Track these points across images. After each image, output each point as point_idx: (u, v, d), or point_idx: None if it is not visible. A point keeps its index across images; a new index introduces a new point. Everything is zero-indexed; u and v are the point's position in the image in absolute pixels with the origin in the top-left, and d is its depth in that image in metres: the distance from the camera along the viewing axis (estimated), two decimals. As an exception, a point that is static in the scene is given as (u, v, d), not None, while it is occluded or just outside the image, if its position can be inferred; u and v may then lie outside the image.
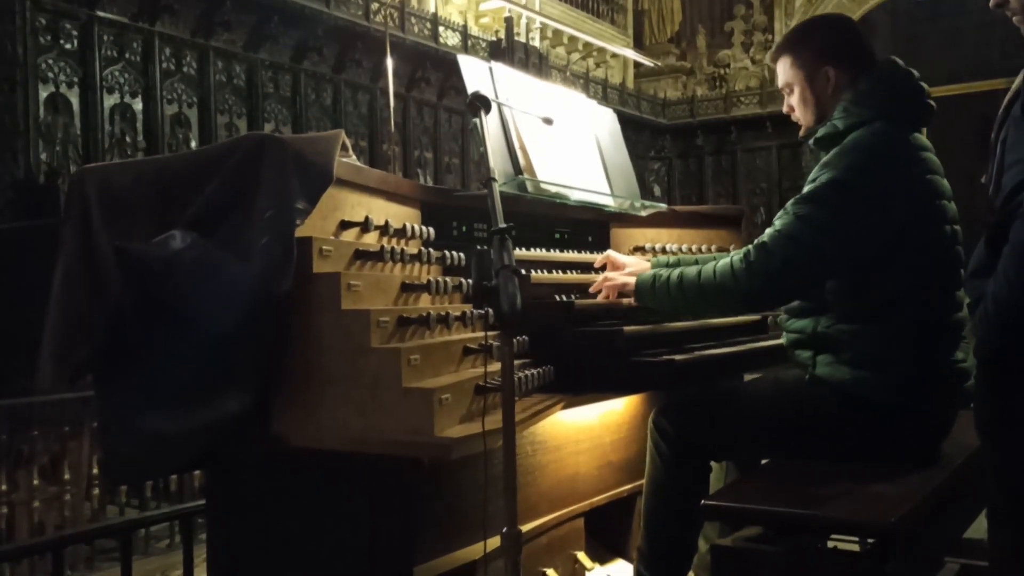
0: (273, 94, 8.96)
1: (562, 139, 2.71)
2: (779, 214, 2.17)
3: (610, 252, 2.71)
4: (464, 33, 11.00)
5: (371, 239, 2.10)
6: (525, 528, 2.40)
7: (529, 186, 2.49)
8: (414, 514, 1.99)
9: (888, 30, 18.03)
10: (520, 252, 2.50)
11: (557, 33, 12.52)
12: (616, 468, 2.82)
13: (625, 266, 2.57)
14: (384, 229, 2.10)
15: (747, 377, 2.67)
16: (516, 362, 2.11)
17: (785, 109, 2.38)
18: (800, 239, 2.06)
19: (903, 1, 17.46)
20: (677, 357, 2.19)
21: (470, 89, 2.40)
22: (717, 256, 2.64)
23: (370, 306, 1.83)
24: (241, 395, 1.77)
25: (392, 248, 2.00)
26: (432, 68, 10.69)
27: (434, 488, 2.01)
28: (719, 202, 14.16)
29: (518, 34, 11.37)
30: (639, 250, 3.22)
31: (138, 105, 7.57)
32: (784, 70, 2.32)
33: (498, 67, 2.57)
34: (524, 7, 11.40)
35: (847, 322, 2.14)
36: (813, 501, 1.73)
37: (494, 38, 11.34)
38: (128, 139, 7.44)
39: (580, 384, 2.19)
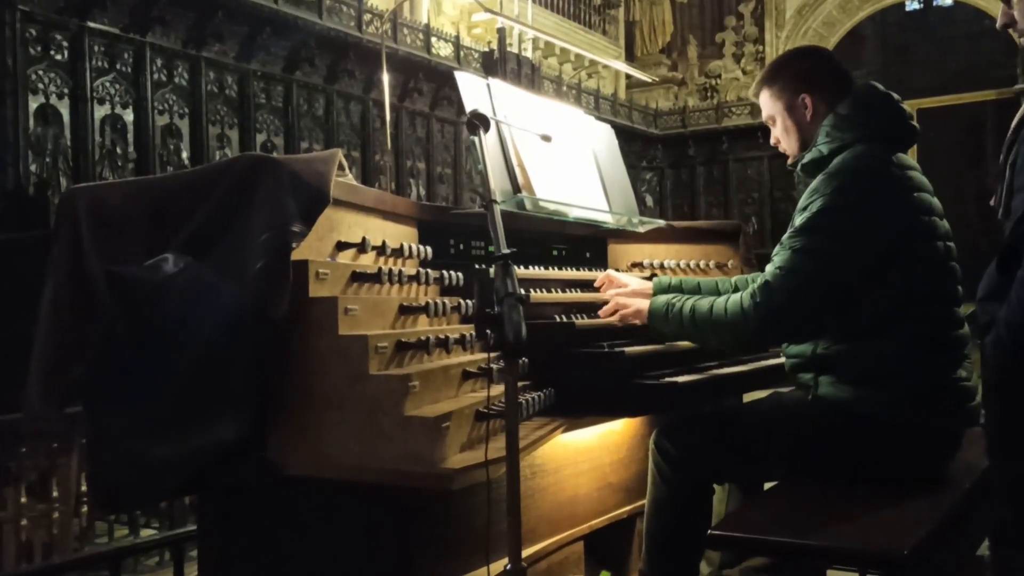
0: (265, 104, 8.92)
1: (560, 155, 2.68)
2: (776, 250, 2.18)
3: (610, 272, 2.69)
4: (456, 44, 10.99)
5: (368, 260, 2.06)
6: (525, 553, 2.35)
7: (528, 204, 2.45)
8: (412, 542, 1.95)
9: (878, 41, 18.13)
10: (518, 271, 2.46)
11: (549, 44, 12.52)
12: (615, 489, 2.78)
13: (626, 285, 2.55)
14: (381, 249, 2.06)
15: (746, 397, 2.63)
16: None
17: (772, 141, 2.44)
18: (801, 271, 2.07)
19: (892, 13, 17.55)
20: (681, 379, 2.16)
21: (467, 106, 2.37)
22: (720, 283, 2.63)
23: (368, 330, 1.79)
24: (235, 421, 1.72)
25: (390, 270, 1.96)
26: (425, 79, 10.67)
27: (433, 515, 1.97)
28: (711, 212, 14.17)
29: (510, 45, 11.36)
30: (637, 266, 3.19)
31: (129, 116, 7.51)
32: (765, 103, 2.38)
33: (496, 83, 2.54)
34: (516, 19, 11.39)
35: (845, 341, 2.14)
36: (821, 529, 1.69)
37: (486, 49, 11.33)
38: (119, 150, 7.39)
39: (582, 407, 2.15)
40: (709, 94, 15.08)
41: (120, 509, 3.16)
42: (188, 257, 1.74)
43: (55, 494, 4.38)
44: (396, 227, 2.24)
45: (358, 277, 1.90)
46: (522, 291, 1.50)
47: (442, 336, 1.87)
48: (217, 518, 2.11)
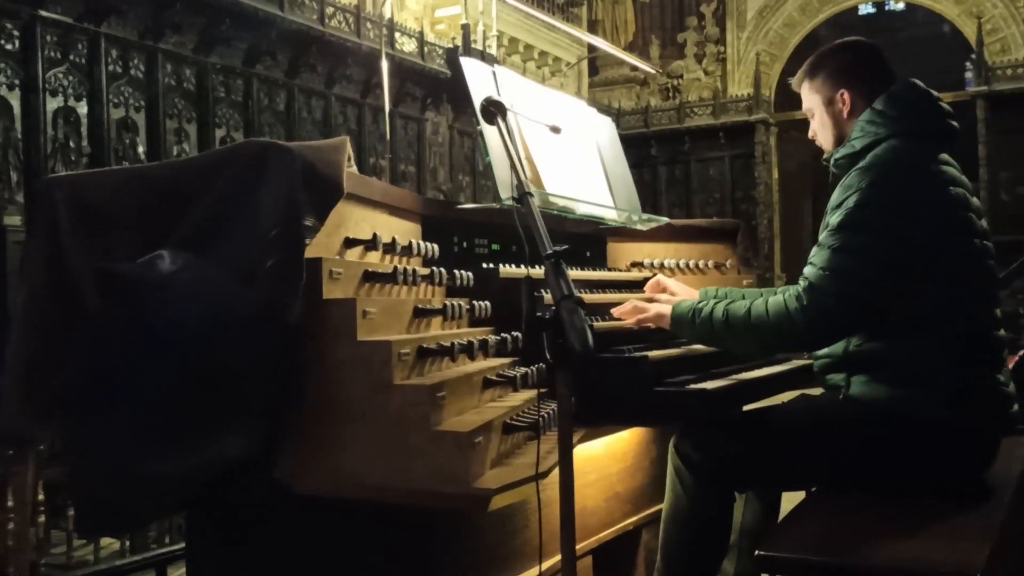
0: (224, 99, 8.66)
1: (566, 148, 2.54)
2: (814, 251, 2.09)
3: (660, 277, 2.62)
4: (420, 40, 10.82)
5: (375, 258, 1.90)
6: (535, 572, 2.22)
7: (536, 198, 2.31)
8: (429, 562, 1.80)
9: (835, 43, 18.29)
10: (519, 270, 2.32)
11: (513, 41, 12.39)
12: (623, 500, 2.65)
13: (676, 293, 2.49)
14: (391, 247, 1.91)
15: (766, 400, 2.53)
16: (534, 392, 1.93)
17: (810, 134, 2.35)
18: (846, 271, 1.98)
19: (846, 16, 17.76)
20: (709, 385, 2.04)
21: (473, 93, 2.22)
22: (764, 292, 2.54)
23: (386, 335, 1.63)
24: (243, 435, 1.55)
25: (405, 269, 1.80)
26: (388, 74, 10.47)
27: (449, 534, 1.82)
28: (673, 212, 14.16)
29: (475, 42, 11.19)
30: (637, 265, 3.07)
31: (83, 109, 7.22)
32: (806, 96, 2.31)
33: (502, 71, 2.39)
34: (480, 15, 11.24)
35: (879, 339, 2.05)
36: (880, 548, 1.58)
37: (450, 45, 11.17)
38: (72, 144, 7.10)
39: (602, 415, 2.01)
40: (671, 94, 15.07)
41: (110, 531, 2.91)
42: (187, 254, 1.56)
43: (10, 503, 4.14)
44: (401, 223, 2.08)
45: (371, 277, 1.74)
46: (579, 294, 1.36)
47: (465, 341, 1.72)
48: (209, 538, 1.93)
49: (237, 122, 8.78)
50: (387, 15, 10.41)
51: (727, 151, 14.24)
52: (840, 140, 2.21)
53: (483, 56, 11.28)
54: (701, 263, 3.23)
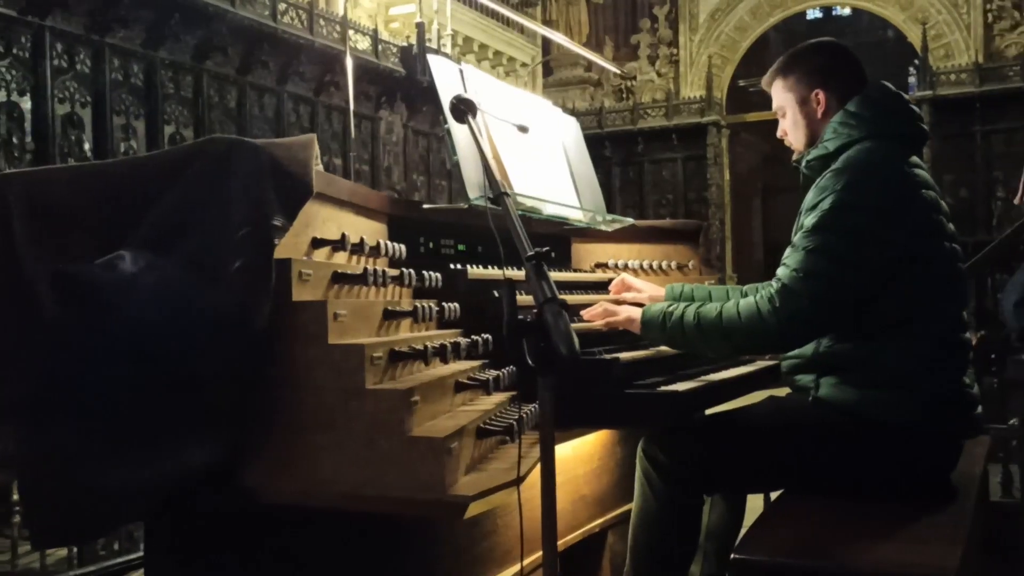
0: (173, 95, 8.47)
1: (533, 148, 2.52)
2: (788, 253, 2.08)
3: (625, 276, 2.61)
4: (375, 38, 10.71)
5: (343, 259, 1.86)
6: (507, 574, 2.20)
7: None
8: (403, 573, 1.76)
9: (783, 48, 18.58)
10: (487, 271, 2.29)
11: (468, 40, 12.34)
12: (589, 502, 2.64)
13: (642, 291, 2.48)
14: (360, 248, 1.86)
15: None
16: (506, 395, 1.90)
17: (779, 133, 2.34)
18: (820, 273, 1.98)
19: (794, 21, 18.01)
20: (680, 387, 2.02)
21: (441, 91, 2.19)
22: (730, 291, 2.54)
23: (356, 338, 1.59)
24: (209, 443, 1.49)
25: (375, 270, 1.76)
26: (342, 72, 10.34)
27: (428, 541, 1.78)
28: (627, 212, 14.19)
29: (429, 40, 11.12)
30: (601, 266, 3.06)
31: (26, 104, 7.00)
32: (777, 94, 2.29)
33: (469, 69, 2.37)
34: (435, 13, 11.17)
35: (849, 341, 2.06)
36: (857, 552, 1.57)
37: (405, 44, 11.08)
38: (15, 140, 6.88)
39: (574, 417, 1.99)
40: (625, 95, 15.13)
41: (65, 542, 2.79)
42: (150, 254, 1.50)
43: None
44: (368, 223, 2.03)
45: (340, 278, 1.70)
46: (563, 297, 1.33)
47: (437, 344, 1.68)
48: (171, 547, 1.86)
49: (187, 119, 8.59)
50: (341, 12, 10.29)
51: (680, 152, 14.33)
52: (812, 141, 2.20)
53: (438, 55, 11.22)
54: (664, 264, 3.24)
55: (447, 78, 2.26)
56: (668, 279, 3.16)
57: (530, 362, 1.32)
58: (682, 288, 2.53)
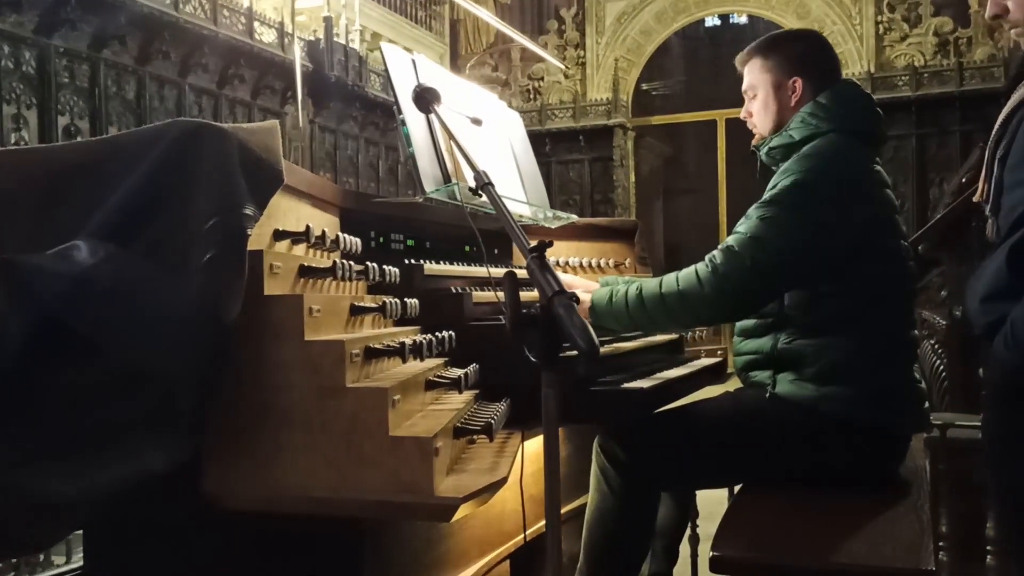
0: (68, 84, 8.09)
1: (485, 142, 2.47)
2: (742, 220, 2.07)
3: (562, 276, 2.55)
4: (280, 31, 10.46)
5: (302, 251, 1.77)
6: (463, 577, 2.14)
7: (458, 193, 2.22)
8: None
9: (683, 54, 18.99)
10: (442, 267, 2.24)
11: (376, 36, 12.16)
12: (537, 502, 2.58)
13: (574, 286, 2.40)
14: (321, 240, 1.77)
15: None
16: (471, 394, 1.85)
17: (743, 114, 2.31)
18: (765, 240, 1.98)
19: (695, 28, 18.46)
20: (644, 384, 2.01)
21: (396, 82, 2.12)
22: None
23: (329, 334, 1.51)
24: (169, 447, 1.38)
25: (342, 264, 1.68)
26: (247, 65, 10.07)
27: (385, 544, 1.71)
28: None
29: (337, 35, 10.93)
30: (542, 264, 3.03)
31: (-92, 90, 6.57)
32: (752, 73, 2.25)
33: (421, 59, 2.29)
34: (343, 8, 10.98)
35: (808, 336, 2.07)
36: (831, 547, 1.58)
37: (312, 37, 10.86)
38: None
39: (537, 415, 1.95)
40: (532, 96, 15.19)
41: (9, 554, 2.57)
42: (109, 244, 1.39)
43: None
44: (323, 215, 1.95)
45: (307, 272, 1.61)
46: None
47: (411, 341, 1.61)
48: (116, 556, 1.74)
49: (82, 109, 8.22)
50: (246, 3, 10.01)
51: (587, 154, 14.49)
52: (778, 127, 2.20)
53: (346, 51, 11.03)
54: (601, 262, 3.23)
55: (401, 68, 2.19)
56: (605, 276, 3.17)
57: (532, 357, 1.27)
58: (618, 279, 2.52)
